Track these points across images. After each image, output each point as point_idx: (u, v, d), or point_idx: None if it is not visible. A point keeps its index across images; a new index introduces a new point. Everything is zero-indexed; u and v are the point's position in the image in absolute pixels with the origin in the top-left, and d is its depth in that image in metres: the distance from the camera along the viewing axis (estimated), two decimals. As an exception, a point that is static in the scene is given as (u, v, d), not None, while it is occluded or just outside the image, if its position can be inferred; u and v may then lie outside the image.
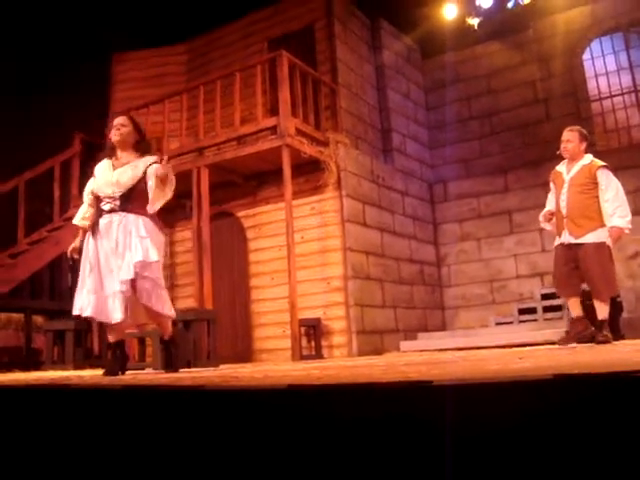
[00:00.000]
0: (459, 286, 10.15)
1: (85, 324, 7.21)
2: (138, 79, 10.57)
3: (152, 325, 5.10)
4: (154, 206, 4.21)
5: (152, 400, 2.02)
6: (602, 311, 5.16)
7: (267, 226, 8.68)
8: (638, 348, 3.57)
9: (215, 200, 8.40)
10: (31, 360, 8.35)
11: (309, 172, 8.32)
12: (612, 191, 5.12)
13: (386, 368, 2.89)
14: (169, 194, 4.27)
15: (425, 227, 10.22)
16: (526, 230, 9.55)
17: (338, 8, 9.48)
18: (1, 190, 8.87)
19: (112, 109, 9.92)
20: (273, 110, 8.57)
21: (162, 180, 4.13)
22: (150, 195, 4.17)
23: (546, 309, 8.61)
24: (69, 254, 4.47)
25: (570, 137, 5.34)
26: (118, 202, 4.17)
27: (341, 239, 8.15)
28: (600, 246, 5.09)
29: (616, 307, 6.33)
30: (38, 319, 9.16)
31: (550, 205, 5.50)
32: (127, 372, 4.44)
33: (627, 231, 5.12)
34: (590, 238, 5.09)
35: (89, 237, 4.22)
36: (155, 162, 4.29)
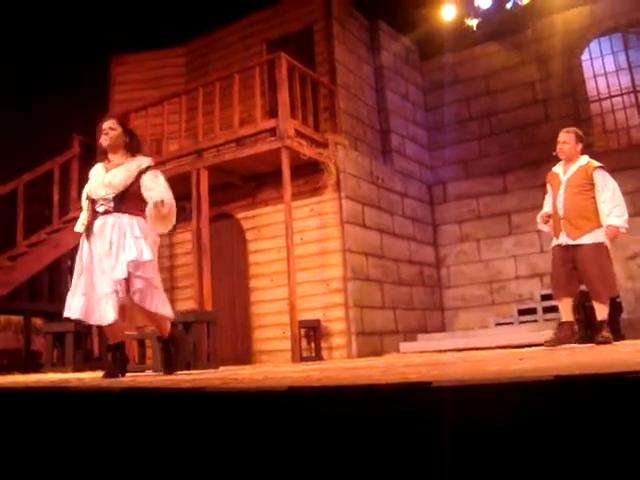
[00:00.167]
0: (458, 287, 10.15)
1: (85, 326, 7.20)
2: (137, 81, 10.58)
3: (151, 327, 5.08)
4: (155, 231, 4.26)
5: (152, 402, 2.02)
6: (601, 312, 5.16)
7: (266, 228, 8.68)
8: (638, 348, 3.57)
9: (214, 202, 8.40)
10: (30, 362, 8.34)
11: (308, 174, 8.33)
12: (609, 192, 5.14)
13: (386, 369, 2.89)
14: (169, 225, 4.30)
15: (424, 228, 10.22)
16: (525, 231, 9.55)
17: (337, 9, 9.48)
18: (0, 192, 8.86)
19: (111, 111, 9.92)
20: (272, 112, 8.57)
21: (161, 214, 4.16)
22: (149, 221, 4.20)
23: (546, 310, 8.61)
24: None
25: (566, 138, 5.36)
26: (112, 204, 4.17)
27: (340, 240, 8.15)
28: (598, 247, 5.09)
29: (616, 308, 6.34)
30: (37, 321, 9.15)
31: (547, 207, 5.51)
32: (127, 374, 4.43)
33: (623, 230, 5.14)
34: (588, 239, 5.10)
35: (83, 240, 4.23)
36: (149, 166, 4.31)
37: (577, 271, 5.18)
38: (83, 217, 4.39)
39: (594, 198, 5.18)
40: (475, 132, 10.65)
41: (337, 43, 9.30)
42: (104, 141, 4.31)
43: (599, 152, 9.46)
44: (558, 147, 5.39)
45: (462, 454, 1.31)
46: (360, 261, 8.30)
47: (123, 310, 4.12)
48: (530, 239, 9.56)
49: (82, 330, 7.40)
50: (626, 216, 5.12)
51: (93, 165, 4.50)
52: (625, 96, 9.89)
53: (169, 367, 4.34)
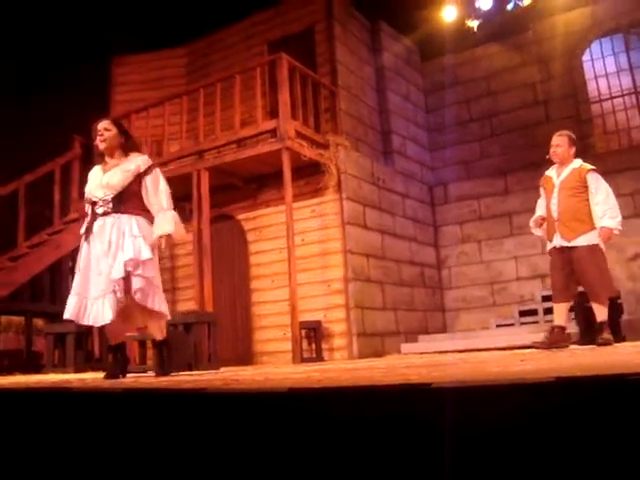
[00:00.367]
0: (460, 288, 10.14)
1: (86, 327, 7.20)
2: (138, 82, 10.59)
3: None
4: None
5: (153, 403, 2.02)
6: (601, 313, 5.17)
7: (267, 229, 8.68)
8: (639, 350, 3.57)
9: (215, 203, 8.40)
10: (32, 363, 8.34)
11: (309, 175, 8.33)
12: (602, 194, 5.18)
13: (386, 371, 2.89)
14: (181, 231, 4.38)
15: (425, 229, 10.22)
16: (526, 232, 9.45)
17: (338, 10, 9.49)
18: (1, 193, 8.87)
19: (112, 112, 9.93)
20: (273, 113, 8.58)
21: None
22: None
23: (547, 311, 8.60)
24: None
25: (560, 142, 5.40)
26: (111, 204, 4.16)
27: (341, 241, 8.15)
28: (593, 248, 5.12)
29: (616, 309, 6.34)
30: (38, 322, 9.16)
31: (540, 210, 5.55)
32: (128, 375, 4.43)
33: (617, 232, 5.17)
34: (582, 241, 5.13)
35: (83, 241, 4.23)
36: (152, 165, 4.30)
37: (574, 274, 5.19)
38: (88, 220, 4.39)
39: (588, 200, 5.21)
40: (476, 133, 10.65)
41: (338, 44, 9.31)
42: (100, 143, 4.29)
43: (600, 153, 9.48)
44: (551, 150, 5.43)
45: (463, 455, 1.31)
46: (361, 262, 8.30)
47: (123, 310, 4.11)
48: (531, 240, 9.52)
49: (83, 331, 7.39)
50: (619, 218, 5.16)
51: (93, 166, 4.50)
52: (626, 97, 9.89)
53: (162, 369, 4.27)
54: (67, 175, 9.59)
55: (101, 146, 4.30)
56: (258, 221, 8.83)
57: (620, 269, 8.58)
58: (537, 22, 10.12)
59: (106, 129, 4.29)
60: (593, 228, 5.14)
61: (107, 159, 4.33)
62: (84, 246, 4.21)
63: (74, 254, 8.89)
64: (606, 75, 10.05)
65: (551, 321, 8.37)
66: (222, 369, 5.80)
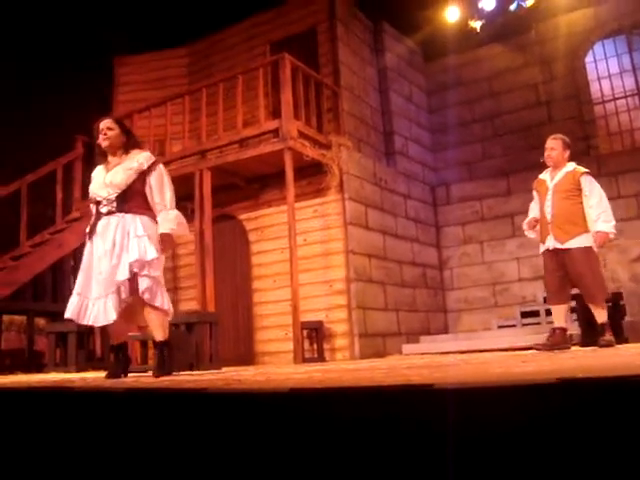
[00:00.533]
0: (462, 289, 10.14)
1: (87, 326, 7.20)
2: (140, 82, 10.60)
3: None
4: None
5: (154, 403, 2.02)
6: (601, 315, 5.19)
7: (269, 229, 8.68)
8: (641, 351, 3.57)
9: (217, 203, 8.41)
10: (33, 362, 8.35)
11: (311, 175, 8.33)
12: (596, 197, 5.21)
13: (388, 371, 2.89)
14: (185, 231, 4.38)
15: (427, 230, 10.21)
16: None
17: (340, 11, 9.49)
18: (3, 193, 8.88)
19: (115, 111, 9.94)
20: (275, 113, 8.58)
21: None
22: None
23: (549, 312, 8.56)
24: None
25: (554, 145, 5.42)
26: (115, 204, 4.14)
27: (343, 242, 8.15)
28: (587, 250, 5.14)
29: (619, 310, 6.34)
30: (40, 321, 9.17)
31: (533, 213, 5.57)
32: (129, 374, 4.42)
33: (612, 236, 5.19)
34: (576, 243, 5.15)
35: (87, 240, 4.22)
36: (155, 162, 4.28)
37: (568, 276, 5.20)
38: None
39: (582, 204, 5.24)
40: (478, 134, 10.65)
41: (341, 44, 9.31)
42: (103, 142, 4.26)
43: (603, 154, 9.47)
44: (546, 154, 5.45)
45: (465, 456, 1.31)
46: (363, 262, 8.29)
47: (125, 310, 4.10)
48: (533, 241, 9.52)
49: (85, 330, 7.40)
50: (614, 222, 5.18)
51: (95, 165, 4.49)
52: (629, 98, 9.89)
53: (162, 370, 4.16)
54: (69, 175, 9.61)
55: (104, 145, 4.27)
56: (260, 221, 8.84)
57: (623, 270, 8.58)
58: (540, 23, 10.12)
59: (109, 128, 4.27)
60: (587, 231, 5.17)
61: (109, 158, 4.31)
62: (87, 246, 4.21)
63: (76, 253, 8.98)
64: (609, 76, 10.05)
65: (553, 323, 8.38)
66: (224, 369, 5.80)
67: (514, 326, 8.88)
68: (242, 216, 9.01)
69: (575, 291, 5.44)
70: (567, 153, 5.42)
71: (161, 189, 4.24)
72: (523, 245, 9.69)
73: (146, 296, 4.05)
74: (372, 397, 1.59)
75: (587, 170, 5.35)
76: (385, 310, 8.59)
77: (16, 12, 9.37)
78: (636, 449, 1.21)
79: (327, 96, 8.87)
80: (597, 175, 8.79)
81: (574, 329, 6.53)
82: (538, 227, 5.45)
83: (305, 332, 7.79)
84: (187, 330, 6.16)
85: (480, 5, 9.45)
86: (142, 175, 4.20)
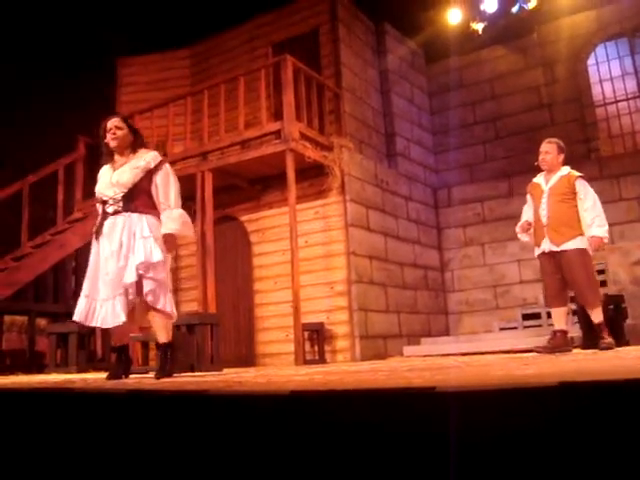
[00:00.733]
0: (463, 291, 10.13)
1: (88, 327, 7.20)
2: (143, 83, 10.61)
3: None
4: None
5: (156, 404, 2.02)
6: (596, 315, 5.23)
7: (271, 230, 8.68)
8: (642, 354, 3.56)
9: (219, 204, 8.41)
10: (34, 363, 8.35)
11: (313, 176, 8.33)
12: (590, 201, 5.25)
13: (389, 374, 2.88)
14: (190, 231, 4.40)
15: (429, 232, 10.21)
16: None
17: (342, 12, 9.49)
18: (5, 194, 8.89)
19: (117, 112, 9.94)
20: (277, 114, 8.58)
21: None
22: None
23: (550, 314, 8.56)
24: None
25: (548, 149, 5.45)
26: (121, 203, 4.13)
27: (345, 243, 8.14)
28: (582, 252, 5.19)
29: (620, 313, 6.34)
30: (42, 322, 9.17)
31: (526, 216, 5.59)
32: (131, 376, 4.42)
33: (606, 240, 5.24)
34: (571, 245, 5.20)
35: (94, 241, 4.21)
36: (162, 162, 4.27)
37: (564, 278, 5.23)
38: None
39: (576, 207, 5.29)
40: (480, 136, 10.65)
41: (343, 46, 9.31)
42: (112, 142, 4.24)
43: (605, 157, 9.47)
44: (540, 157, 5.47)
45: (467, 460, 1.31)
46: (364, 264, 8.29)
47: (132, 312, 4.11)
48: (535, 243, 9.53)
49: (86, 331, 7.40)
50: (607, 226, 5.22)
51: (98, 166, 4.48)
52: (631, 101, 9.89)
53: (164, 372, 4.13)
54: (71, 176, 9.62)
55: (112, 144, 4.25)
56: (261, 222, 8.84)
57: (624, 273, 8.56)
58: (542, 25, 10.12)
59: (118, 127, 4.25)
60: (582, 233, 5.22)
61: (116, 157, 4.30)
62: (93, 246, 4.20)
63: (78, 254, 8.98)
64: (611, 79, 10.05)
65: (554, 325, 8.37)
66: (224, 370, 5.81)
67: (515, 328, 8.87)
68: (243, 217, 9.02)
69: (573, 293, 5.46)
70: (561, 157, 5.45)
71: (166, 188, 4.23)
72: (525, 247, 9.64)
73: (149, 298, 4.05)
74: (374, 400, 1.59)
75: (581, 174, 5.40)
76: (386, 312, 8.58)
77: (18, 12, 9.38)
78: (637, 452, 1.21)
79: (329, 98, 8.88)
80: (599, 178, 8.86)
81: (575, 331, 6.53)
82: (532, 230, 5.49)
83: (306, 334, 7.79)
84: (188, 331, 6.17)
85: (482, 7, 9.44)
86: (149, 174, 4.19)
